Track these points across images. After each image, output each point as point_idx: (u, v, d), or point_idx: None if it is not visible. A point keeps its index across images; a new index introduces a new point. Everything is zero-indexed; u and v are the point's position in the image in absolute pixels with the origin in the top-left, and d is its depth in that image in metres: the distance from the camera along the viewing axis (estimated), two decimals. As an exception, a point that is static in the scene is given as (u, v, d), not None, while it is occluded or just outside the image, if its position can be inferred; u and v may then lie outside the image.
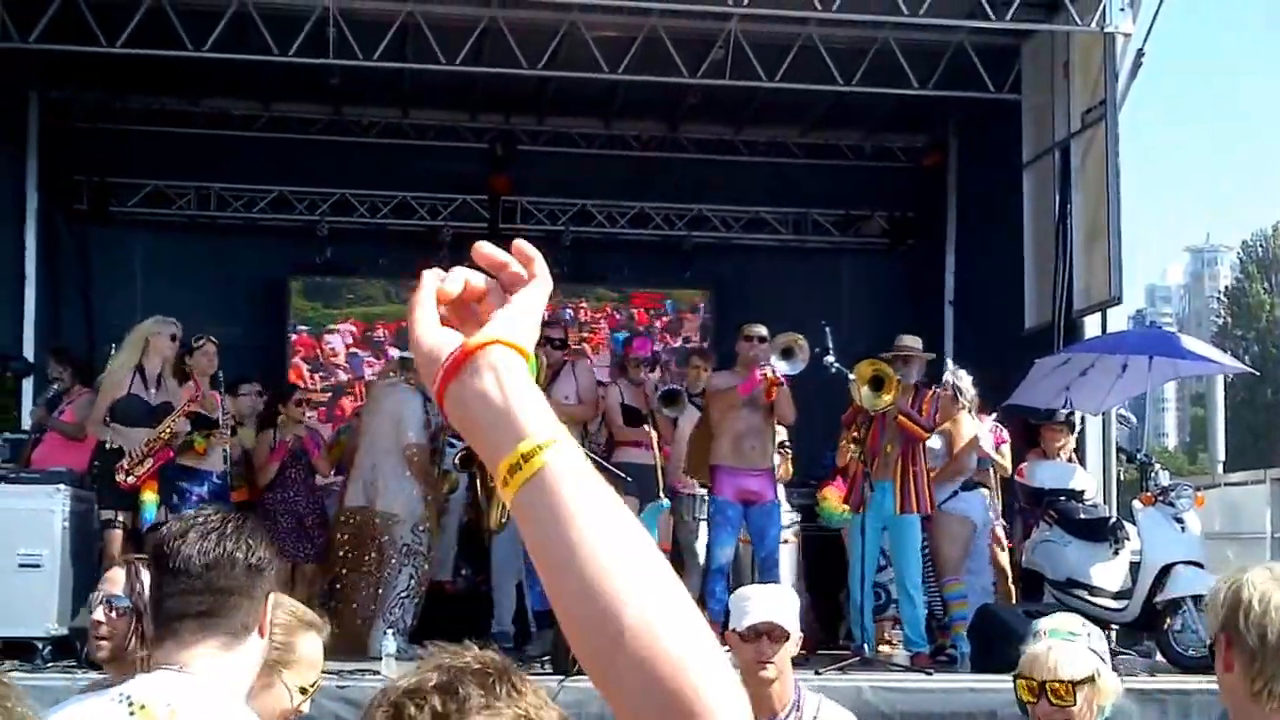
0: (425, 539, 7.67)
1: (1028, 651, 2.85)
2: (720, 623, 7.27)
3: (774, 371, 7.36)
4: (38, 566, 6.93)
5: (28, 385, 9.62)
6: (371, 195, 11.45)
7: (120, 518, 7.17)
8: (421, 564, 7.63)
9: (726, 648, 3.46)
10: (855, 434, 7.47)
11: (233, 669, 1.94)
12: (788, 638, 3.42)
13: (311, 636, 2.30)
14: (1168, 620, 6.99)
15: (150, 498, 7.19)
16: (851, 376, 7.35)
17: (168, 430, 7.16)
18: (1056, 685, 2.78)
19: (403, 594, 7.49)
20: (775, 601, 3.53)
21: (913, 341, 7.79)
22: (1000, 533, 8.35)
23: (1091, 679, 2.80)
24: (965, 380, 7.90)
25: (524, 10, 9.36)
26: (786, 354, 7.47)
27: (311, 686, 2.29)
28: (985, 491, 8.06)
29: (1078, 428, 8.51)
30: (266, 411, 8.24)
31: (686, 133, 11.71)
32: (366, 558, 7.69)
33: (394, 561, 7.56)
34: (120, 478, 7.09)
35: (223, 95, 11.08)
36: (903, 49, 9.66)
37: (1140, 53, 8.98)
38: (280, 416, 8.12)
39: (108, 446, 7.25)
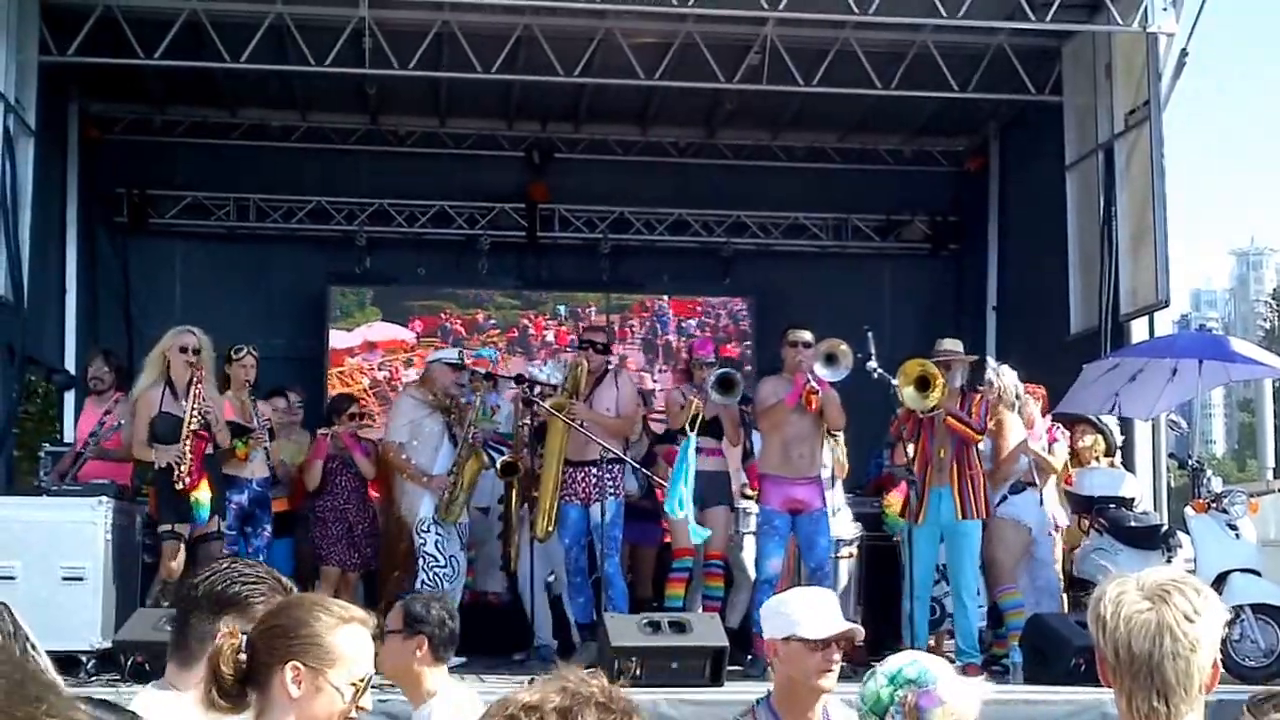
0: (429, 539, 7.54)
1: (953, 699, 2.65)
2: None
3: (811, 380, 7.26)
4: (81, 579, 6.90)
5: (69, 397, 9.65)
6: (409, 204, 11.43)
7: (178, 529, 7.10)
8: (432, 566, 7.49)
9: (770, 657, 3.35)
10: (908, 442, 7.35)
11: None
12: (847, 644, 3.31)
13: (351, 629, 2.24)
14: (1225, 629, 6.80)
15: (202, 498, 7.13)
16: (895, 382, 7.24)
17: (193, 419, 7.07)
18: None
19: None
20: (835, 606, 3.40)
21: (953, 345, 7.66)
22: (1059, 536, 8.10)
23: None
24: (1007, 376, 7.76)
25: (559, 18, 9.32)
26: (829, 360, 7.36)
27: (363, 680, 2.23)
28: (1040, 492, 7.87)
29: (1109, 431, 8.34)
30: (325, 422, 8.28)
31: (724, 139, 11.63)
32: (401, 566, 7.69)
33: (411, 566, 7.56)
34: (180, 486, 7.05)
35: (260, 106, 11.12)
36: (942, 51, 9.56)
37: (1184, 52, 8.84)
38: (334, 427, 8.15)
39: (157, 466, 7.19)
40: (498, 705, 1.38)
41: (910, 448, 7.32)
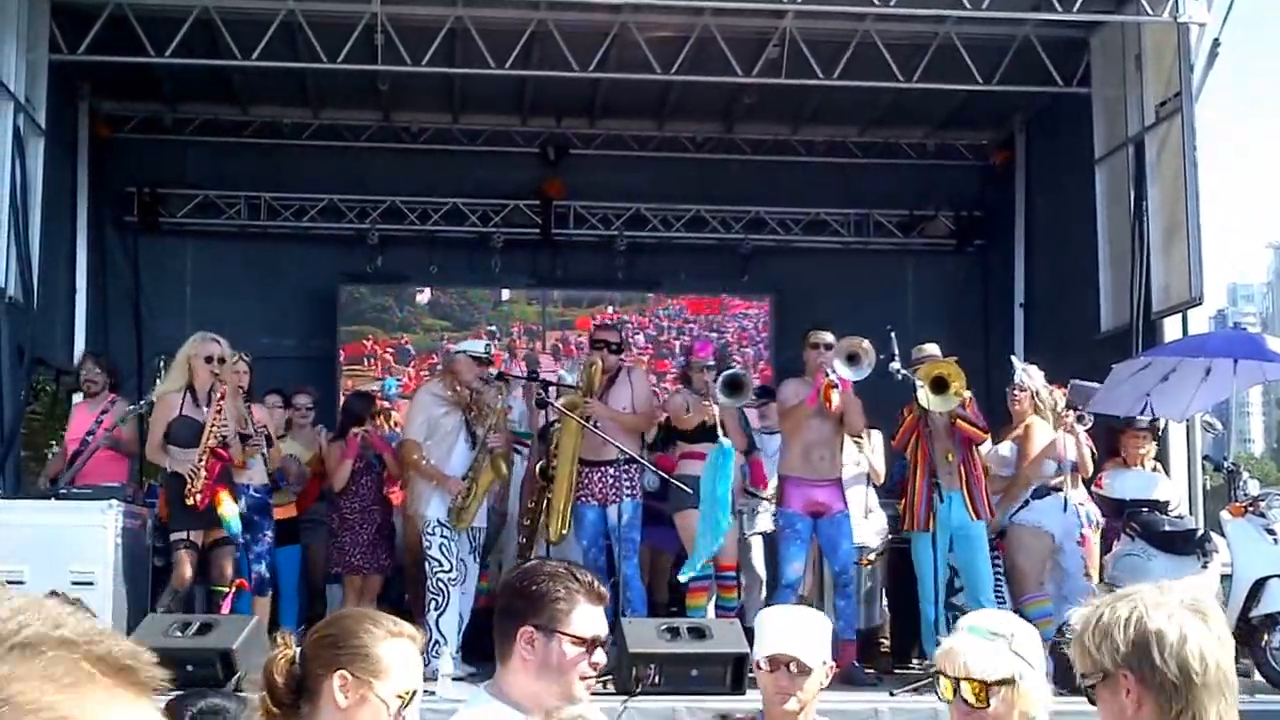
0: (435, 541, 7.37)
1: (943, 644, 2.65)
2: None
3: (831, 374, 7.09)
4: (91, 584, 6.79)
5: (78, 399, 9.53)
6: (422, 202, 11.28)
7: (190, 536, 7.04)
8: (436, 571, 7.33)
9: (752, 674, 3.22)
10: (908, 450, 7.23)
11: None
12: (810, 671, 3.09)
13: (400, 643, 2.30)
14: (1265, 637, 6.65)
15: (228, 510, 7.02)
16: (920, 383, 7.08)
17: (212, 437, 7.03)
18: (969, 684, 2.57)
19: (427, 610, 7.24)
20: (797, 628, 3.17)
21: (933, 349, 7.56)
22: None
23: (1010, 681, 2.56)
24: (1037, 377, 7.59)
25: (574, 12, 9.18)
26: (851, 359, 7.21)
27: (408, 694, 2.27)
28: (1064, 495, 7.66)
29: (1159, 433, 8.15)
30: (344, 422, 8.14)
31: (742, 133, 11.45)
32: (420, 570, 7.58)
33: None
34: (190, 502, 6.99)
35: (272, 104, 11.00)
36: (966, 43, 9.37)
37: (1216, 42, 8.63)
38: (364, 427, 8.03)
39: (169, 469, 7.15)
40: None
41: (907, 452, 7.24)
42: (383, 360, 11.07)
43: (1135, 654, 1.84)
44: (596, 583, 2.58)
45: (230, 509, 7.04)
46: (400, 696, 2.25)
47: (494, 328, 11.36)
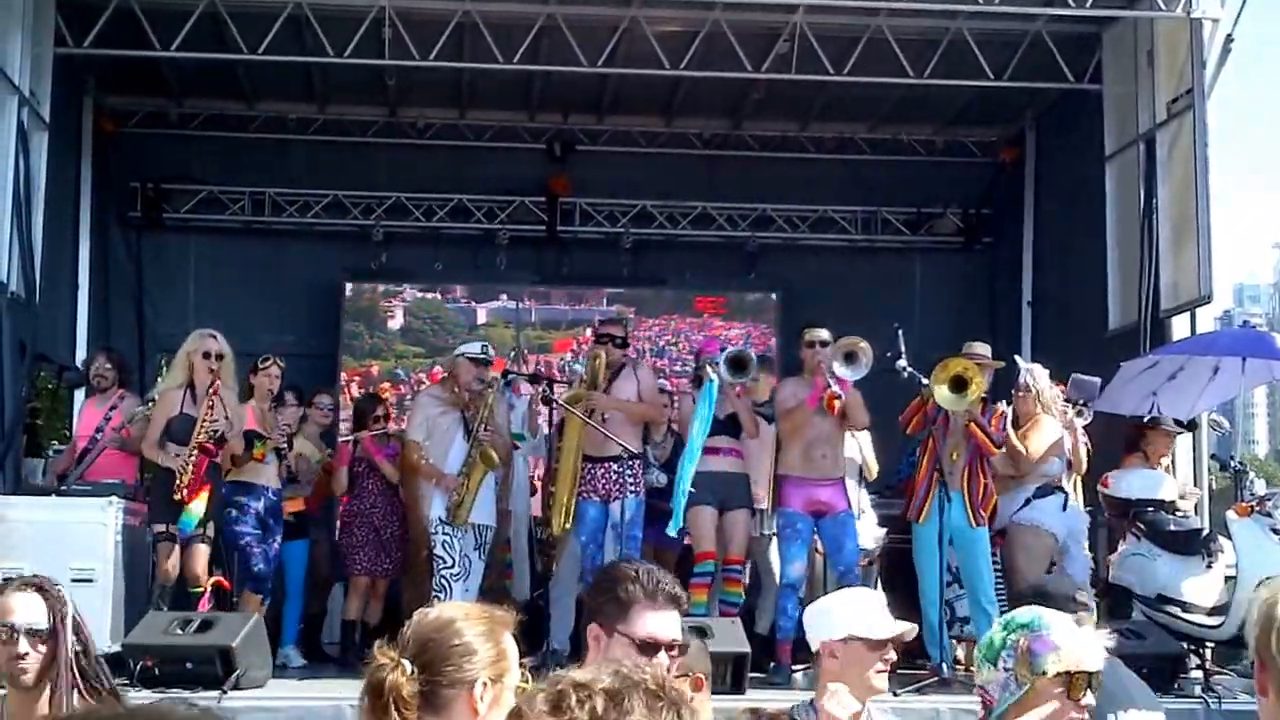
0: (438, 540, 7.36)
1: (1061, 644, 2.57)
2: (791, 641, 7.00)
3: (832, 384, 7.05)
4: (91, 581, 6.78)
5: (79, 395, 9.52)
6: (427, 198, 11.23)
7: (171, 530, 7.03)
8: (440, 569, 7.31)
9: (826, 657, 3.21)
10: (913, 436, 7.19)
11: None
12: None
13: (508, 635, 2.29)
14: (1269, 639, 6.55)
15: (195, 509, 7.02)
16: (925, 381, 7.02)
17: (202, 433, 7.00)
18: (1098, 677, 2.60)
19: None
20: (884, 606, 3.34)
21: (983, 349, 7.48)
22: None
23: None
24: (1042, 377, 7.53)
25: (583, 7, 9.14)
26: (849, 359, 7.16)
27: (526, 683, 2.25)
28: (1064, 495, 7.61)
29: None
30: (353, 423, 8.12)
31: (751, 130, 11.38)
32: (425, 569, 7.56)
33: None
34: (178, 497, 6.98)
35: (278, 99, 10.96)
36: (977, 39, 9.29)
37: (1229, 38, 8.55)
38: (357, 432, 8.02)
39: (163, 465, 7.13)
40: (549, 681, 1.43)
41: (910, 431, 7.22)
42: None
43: (1261, 643, 1.80)
44: (668, 586, 2.59)
45: (198, 506, 7.01)
46: (521, 686, 2.24)
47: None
